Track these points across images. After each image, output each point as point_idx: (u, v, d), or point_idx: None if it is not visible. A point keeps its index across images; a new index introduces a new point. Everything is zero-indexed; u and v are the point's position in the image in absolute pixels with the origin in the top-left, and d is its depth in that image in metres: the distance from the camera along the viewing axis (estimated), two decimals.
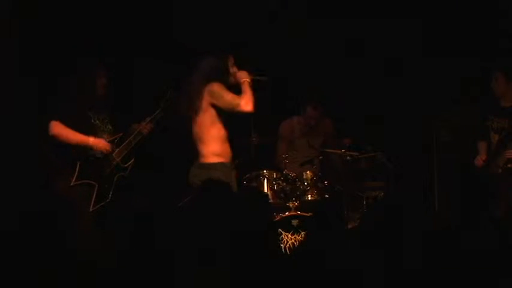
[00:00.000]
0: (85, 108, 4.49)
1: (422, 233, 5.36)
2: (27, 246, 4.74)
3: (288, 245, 5.09)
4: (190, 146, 5.74)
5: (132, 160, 4.63)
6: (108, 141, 4.51)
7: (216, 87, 4.39)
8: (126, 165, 4.60)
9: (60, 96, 4.52)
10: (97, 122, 4.55)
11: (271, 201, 5.33)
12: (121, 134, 4.59)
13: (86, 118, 4.48)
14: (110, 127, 4.62)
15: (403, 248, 5.26)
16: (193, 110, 4.40)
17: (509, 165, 4.85)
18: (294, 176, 5.37)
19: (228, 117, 5.90)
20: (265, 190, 5.33)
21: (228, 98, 4.38)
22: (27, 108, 5.09)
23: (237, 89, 4.48)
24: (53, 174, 4.46)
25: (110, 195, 4.47)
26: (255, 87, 4.53)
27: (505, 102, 5.03)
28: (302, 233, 5.13)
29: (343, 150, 5.50)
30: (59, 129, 4.37)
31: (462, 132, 5.52)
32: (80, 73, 4.54)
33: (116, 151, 4.54)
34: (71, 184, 4.36)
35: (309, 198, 5.36)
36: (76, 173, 4.37)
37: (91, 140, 4.40)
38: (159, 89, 4.79)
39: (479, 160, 5.04)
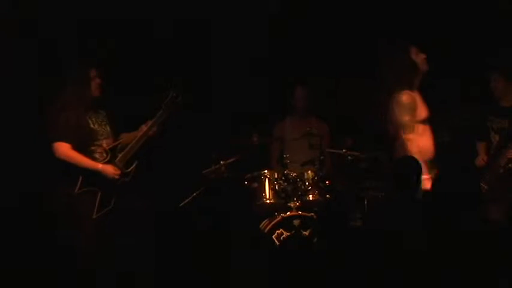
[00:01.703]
0: (83, 113, 4.42)
1: (422, 233, 5.40)
2: (31, 254, 4.78)
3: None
4: (192, 148, 5.79)
5: (134, 165, 4.53)
6: (109, 148, 4.43)
7: (402, 103, 4.16)
8: (128, 171, 4.50)
9: (57, 105, 4.42)
10: (95, 126, 4.47)
11: (272, 201, 5.35)
12: (121, 140, 4.51)
13: (85, 125, 4.41)
14: (108, 128, 4.54)
15: (404, 247, 5.29)
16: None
17: (510, 165, 4.85)
18: (295, 175, 5.37)
19: (228, 116, 5.98)
20: (266, 190, 5.35)
21: (403, 120, 4.17)
22: (28, 110, 5.07)
23: None
24: (57, 182, 4.42)
25: (113, 202, 4.40)
26: None
27: (504, 103, 5.04)
28: (303, 232, 5.14)
29: (343, 150, 5.50)
30: (65, 152, 4.31)
31: (462, 132, 5.51)
32: (74, 77, 4.46)
33: (119, 157, 4.44)
34: (75, 192, 4.31)
35: (310, 198, 5.36)
36: (79, 181, 4.31)
37: (100, 166, 4.34)
38: (162, 90, 4.71)
39: (480, 160, 5.05)
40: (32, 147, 4.93)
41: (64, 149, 4.32)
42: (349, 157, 5.48)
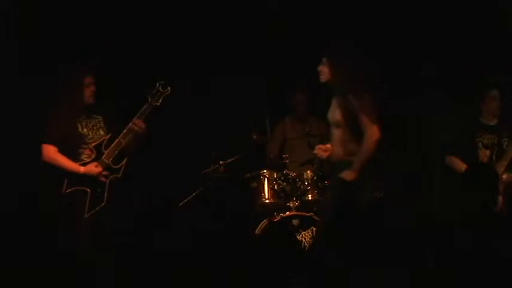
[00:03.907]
0: (73, 118, 4.42)
1: (422, 233, 5.40)
2: (25, 255, 4.80)
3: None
4: (191, 147, 5.80)
5: (125, 160, 4.49)
6: (94, 145, 4.43)
7: None
8: (118, 166, 4.46)
9: (48, 108, 4.43)
10: (85, 130, 4.46)
11: (271, 201, 5.34)
12: (108, 136, 4.46)
13: (74, 129, 4.41)
14: (102, 132, 4.52)
15: (404, 247, 5.28)
16: None
17: (503, 177, 4.86)
18: (294, 175, 5.37)
19: (228, 116, 5.98)
20: (265, 190, 5.34)
21: None
22: (26, 111, 5.07)
23: None
24: (45, 183, 4.44)
25: (105, 199, 4.38)
26: None
27: (493, 119, 5.06)
28: (302, 232, 5.14)
29: None
30: (51, 155, 4.35)
31: (462, 132, 5.48)
32: (67, 83, 4.45)
33: (105, 153, 4.41)
34: (63, 192, 4.31)
35: (309, 198, 5.36)
36: (66, 181, 4.32)
37: (82, 170, 4.35)
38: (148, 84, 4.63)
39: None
40: (30, 147, 4.93)
41: (49, 152, 4.35)
42: None
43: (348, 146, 4.25)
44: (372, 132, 4.12)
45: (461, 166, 5.01)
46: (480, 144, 5.02)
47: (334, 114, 4.28)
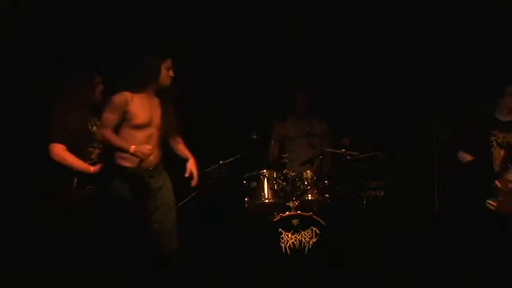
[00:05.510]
0: (84, 117, 4.46)
1: (422, 233, 5.40)
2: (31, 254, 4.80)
3: (288, 245, 5.10)
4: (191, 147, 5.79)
5: None
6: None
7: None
8: None
9: (57, 107, 4.43)
10: (94, 129, 4.50)
11: (270, 201, 5.35)
12: None
13: (84, 128, 4.45)
14: None
15: (403, 247, 5.29)
16: None
17: None
18: (294, 175, 5.37)
19: (228, 115, 6.00)
20: (265, 189, 5.34)
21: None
22: (28, 111, 5.08)
23: None
24: (54, 183, 4.45)
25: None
26: None
27: (508, 115, 4.95)
28: (302, 232, 5.14)
29: (343, 150, 5.50)
30: (60, 153, 4.36)
31: (462, 132, 5.49)
32: (79, 82, 4.49)
33: None
34: (73, 190, 4.35)
35: (309, 198, 5.36)
36: (75, 180, 4.35)
37: (92, 169, 4.38)
38: None
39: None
40: (32, 147, 4.94)
41: (58, 151, 4.36)
42: (348, 157, 5.49)
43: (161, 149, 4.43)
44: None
45: (468, 158, 4.92)
46: (494, 143, 4.90)
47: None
